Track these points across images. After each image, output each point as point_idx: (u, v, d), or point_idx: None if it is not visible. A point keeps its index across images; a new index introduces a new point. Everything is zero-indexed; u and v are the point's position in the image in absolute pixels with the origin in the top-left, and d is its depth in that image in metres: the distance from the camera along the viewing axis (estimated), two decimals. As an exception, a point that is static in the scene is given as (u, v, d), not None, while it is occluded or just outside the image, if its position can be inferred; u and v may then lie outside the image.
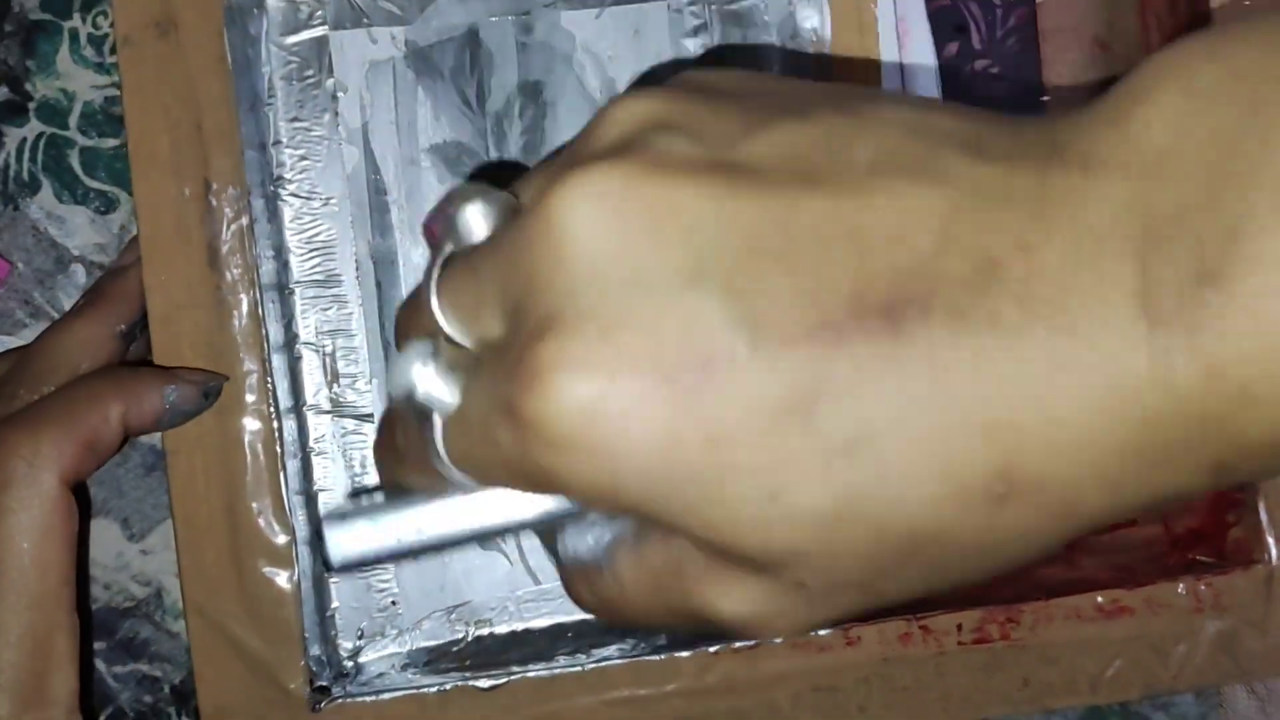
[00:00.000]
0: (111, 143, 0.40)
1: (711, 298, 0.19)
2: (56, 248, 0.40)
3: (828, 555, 0.20)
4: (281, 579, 0.33)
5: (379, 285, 0.36)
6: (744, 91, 0.22)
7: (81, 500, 0.30)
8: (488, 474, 0.22)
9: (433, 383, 0.22)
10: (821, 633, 0.34)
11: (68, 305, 0.39)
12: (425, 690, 0.34)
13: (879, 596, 0.21)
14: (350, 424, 0.36)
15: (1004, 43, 0.38)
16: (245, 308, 0.33)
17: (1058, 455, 0.18)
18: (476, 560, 0.36)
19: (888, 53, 0.37)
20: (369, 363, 0.36)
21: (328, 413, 0.36)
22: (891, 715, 0.34)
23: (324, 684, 0.34)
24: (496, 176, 0.36)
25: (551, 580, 0.37)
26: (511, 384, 0.20)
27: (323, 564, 0.23)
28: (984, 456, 0.18)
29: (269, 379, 0.33)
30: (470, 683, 0.34)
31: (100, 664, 0.40)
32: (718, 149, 0.20)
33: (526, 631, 0.36)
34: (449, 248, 0.23)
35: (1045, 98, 0.39)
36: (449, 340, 0.22)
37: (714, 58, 0.37)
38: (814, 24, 0.36)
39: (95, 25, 0.40)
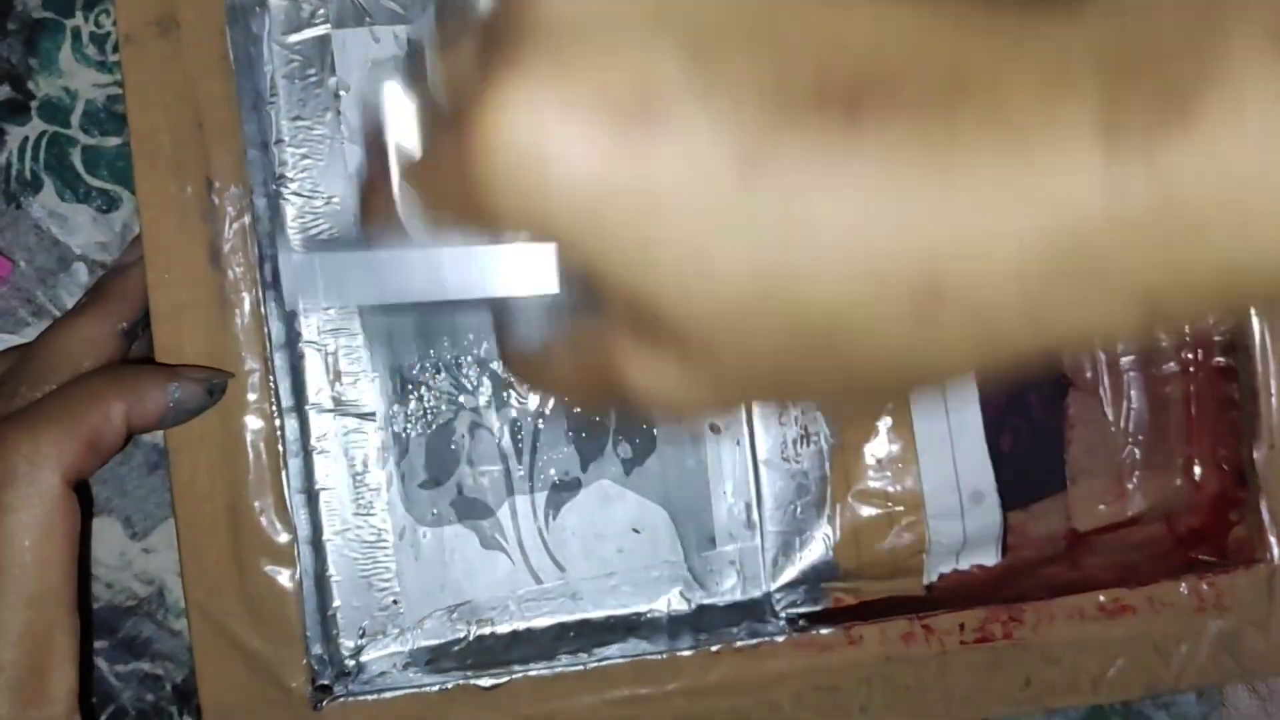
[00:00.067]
0: (114, 141, 0.40)
1: (671, 49, 0.19)
2: (59, 246, 0.40)
3: (744, 334, 0.20)
4: (283, 578, 0.33)
5: (381, 284, 0.36)
6: None
7: (83, 499, 0.30)
8: (440, 201, 0.22)
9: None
10: (823, 632, 0.34)
11: (70, 304, 0.39)
12: (427, 689, 0.34)
13: (790, 393, 0.21)
14: (352, 422, 0.36)
15: None
16: (247, 306, 0.33)
17: (987, 271, 0.18)
18: (478, 560, 0.36)
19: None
20: (370, 361, 0.36)
21: (329, 411, 0.36)
22: (893, 715, 0.34)
23: (325, 683, 0.34)
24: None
25: (553, 580, 0.37)
26: (470, 113, 0.20)
27: (279, 300, 0.24)
28: (915, 259, 0.18)
29: (271, 377, 0.33)
30: (472, 682, 0.34)
31: (102, 663, 0.40)
32: None
33: (528, 631, 0.36)
34: None
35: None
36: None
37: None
38: None
39: (97, 24, 0.40)
